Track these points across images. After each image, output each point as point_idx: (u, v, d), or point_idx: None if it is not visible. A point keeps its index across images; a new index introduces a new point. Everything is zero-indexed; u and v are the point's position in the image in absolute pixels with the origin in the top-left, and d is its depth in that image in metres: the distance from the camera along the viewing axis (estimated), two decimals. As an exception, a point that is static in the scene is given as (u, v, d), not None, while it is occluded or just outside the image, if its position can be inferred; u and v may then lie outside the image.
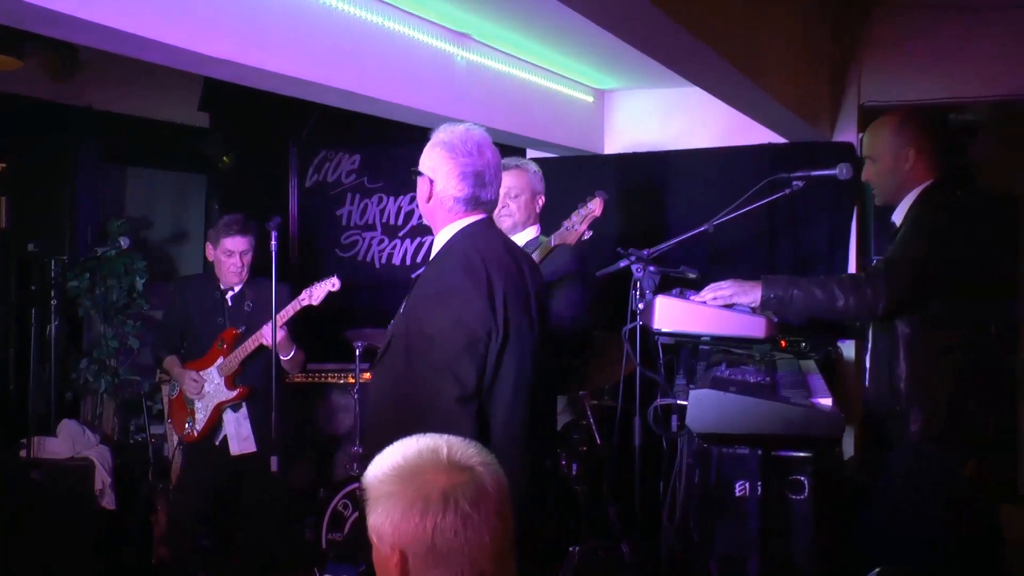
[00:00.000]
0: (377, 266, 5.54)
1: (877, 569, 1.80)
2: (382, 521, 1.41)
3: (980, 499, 2.91)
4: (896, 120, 3.05)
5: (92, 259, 5.23)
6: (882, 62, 4.39)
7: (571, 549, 3.44)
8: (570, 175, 4.38)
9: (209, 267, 4.20)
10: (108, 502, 4.44)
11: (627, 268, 3.13)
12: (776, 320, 2.87)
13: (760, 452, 2.78)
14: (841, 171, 3.14)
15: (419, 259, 5.45)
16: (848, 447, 4.03)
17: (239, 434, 4.01)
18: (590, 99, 4.82)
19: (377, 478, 1.45)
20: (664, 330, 2.86)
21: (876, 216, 4.32)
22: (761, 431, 2.59)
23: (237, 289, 4.07)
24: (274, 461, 3.72)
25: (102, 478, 4.43)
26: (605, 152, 4.95)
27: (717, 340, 2.93)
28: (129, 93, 5.54)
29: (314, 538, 4.11)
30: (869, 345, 3.15)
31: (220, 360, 4.01)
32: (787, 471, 2.96)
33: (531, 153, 4.79)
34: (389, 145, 5.32)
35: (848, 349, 4.34)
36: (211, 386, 4.02)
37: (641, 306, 3.05)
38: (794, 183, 3.18)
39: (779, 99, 3.55)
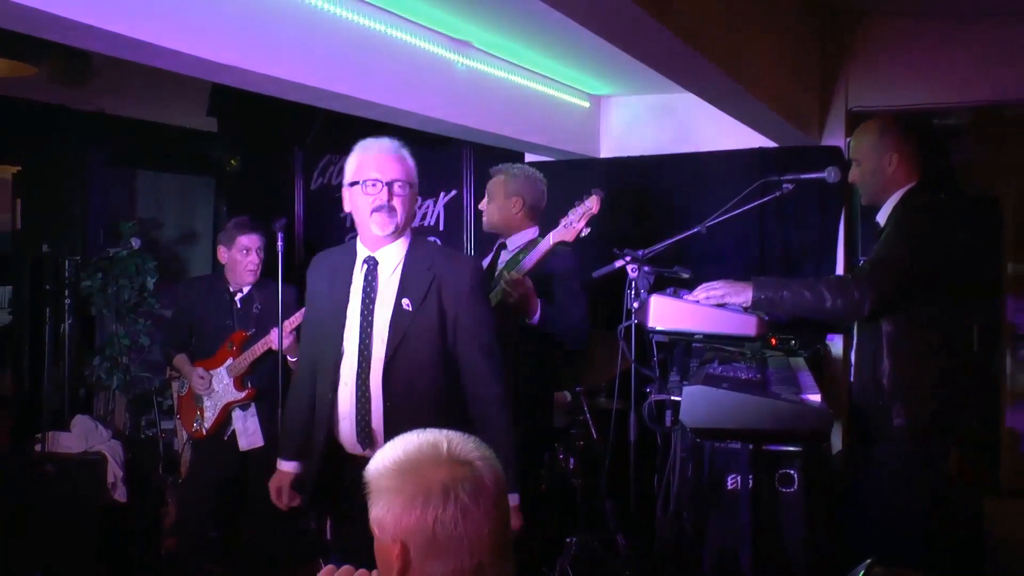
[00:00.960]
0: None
1: (868, 560, 1.87)
2: (384, 514, 1.43)
3: (963, 491, 2.99)
4: (879, 125, 3.13)
5: (104, 259, 5.29)
6: (868, 69, 4.43)
7: (568, 540, 3.49)
8: (567, 178, 4.33)
9: (219, 268, 4.25)
10: (120, 495, 4.47)
11: (622, 268, 3.18)
12: (767, 319, 2.91)
13: (751, 446, 2.83)
14: (829, 174, 3.20)
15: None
16: (837, 441, 4.06)
17: (247, 430, 4.08)
18: (586, 104, 4.84)
19: (379, 472, 1.47)
20: (658, 328, 2.91)
21: (863, 217, 4.35)
22: (752, 426, 2.63)
23: (246, 291, 4.10)
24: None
25: (114, 472, 4.46)
26: (601, 156, 4.96)
27: (710, 338, 2.98)
28: (139, 98, 5.54)
29: (319, 529, 4.18)
30: (855, 342, 3.20)
31: (229, 361, 4.06)
32: (777, 465, 3.02)
33: (528, 157, 4.82)
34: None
35: (836, 346, 4.37)
36: (220, 386, 4.07)
37: (636, 305, 3.09)
38: (784, 186, 3.24)
39: (769, 105, 3.59)
